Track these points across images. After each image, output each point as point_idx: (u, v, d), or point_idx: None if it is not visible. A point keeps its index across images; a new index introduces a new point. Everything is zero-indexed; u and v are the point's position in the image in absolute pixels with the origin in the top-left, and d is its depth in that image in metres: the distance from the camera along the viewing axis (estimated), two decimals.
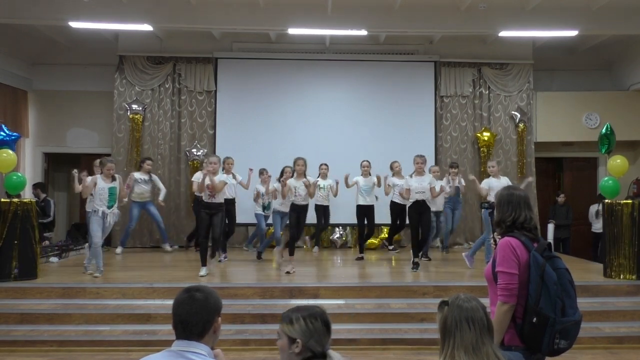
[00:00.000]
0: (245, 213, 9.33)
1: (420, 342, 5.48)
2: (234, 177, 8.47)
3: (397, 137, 10.33)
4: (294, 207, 7.34)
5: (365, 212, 8.48)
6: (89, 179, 7.14)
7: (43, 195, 9.48)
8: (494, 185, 7.38)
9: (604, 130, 7.49)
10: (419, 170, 7.56)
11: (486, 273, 2.78)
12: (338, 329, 5.39)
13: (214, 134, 10.40)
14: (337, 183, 8.62)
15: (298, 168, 7.28)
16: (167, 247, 9.55)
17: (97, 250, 6.96)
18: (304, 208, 7.36)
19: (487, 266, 2.78)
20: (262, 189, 8.72)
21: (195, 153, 10.30)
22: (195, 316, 1.93)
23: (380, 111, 10.50)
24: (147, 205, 9.18)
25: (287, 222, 7.80)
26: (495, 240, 3.19)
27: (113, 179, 7.10)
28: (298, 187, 7.25)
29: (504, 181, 7.56)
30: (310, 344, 1.98)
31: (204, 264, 7.02)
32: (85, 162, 10.77)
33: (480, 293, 5.86)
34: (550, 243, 2.76)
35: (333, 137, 10.14)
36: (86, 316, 5.87)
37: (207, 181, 6.89)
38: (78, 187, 7.70)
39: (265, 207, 8.95)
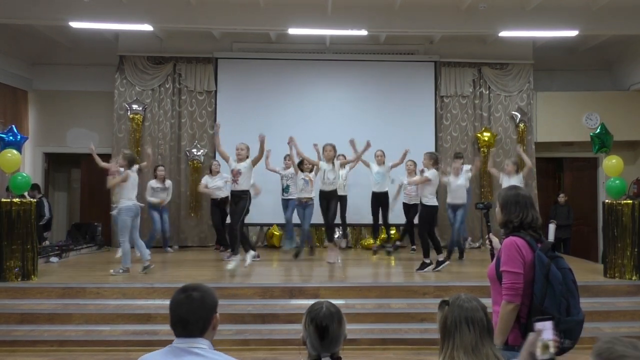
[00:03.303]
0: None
1: (421, 342, 5.48)
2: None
3: (397, 137, 10.30)
4: (321, 193, 7.38)
5: (379, 199, 8.45)
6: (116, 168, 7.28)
7: (39, 196, 9.47)
8: (505, 182, 7.43)
9: (597, 130, 7.55)
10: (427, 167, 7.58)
11: (489, 273, 2.78)
12: None
13: (214, 134, 10.38)
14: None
15: (326, 154, 7.43)
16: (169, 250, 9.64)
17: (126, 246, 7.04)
18: (333, 194, 7.35)
19: (491, 266, 2.78)
20: (283, 171, 8.88)
21: (195, 153, 10.30)
22: (194, 316, 1.96)
23: (381, 111, 10.49)
24: (163, 211, 9.29)
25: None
26: (490, 241, 3.19)
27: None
28: (327, 170, 7.30)
29: (516, 180, 7.59)
30: (308, 346, 2.00)
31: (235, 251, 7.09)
32: (86, 162, 10.79)
33: (480, 293, 5.84)
34: (554, 243, 2.77)
35: (333, 137, 9.98)
36: (86, 316, 5.86)
37: (233, 165, 6.98)
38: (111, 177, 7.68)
39: (284, 190, 8.96)
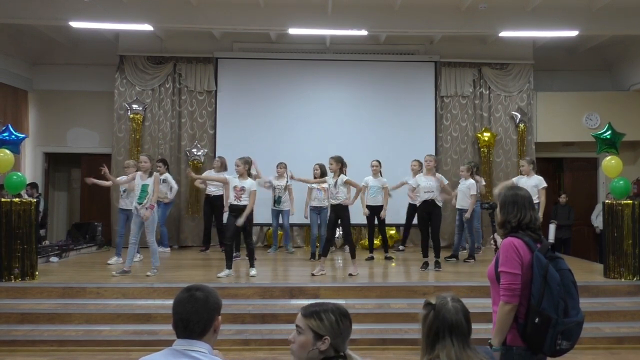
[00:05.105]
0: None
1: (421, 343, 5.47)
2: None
3: (397, 137, 10.34)
4: (331, 207, 7.35)
5: (374, 212, 8.41)
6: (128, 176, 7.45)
7: (36, 195, 9.47)
8: (522, 183, 7.32)
9: (604, 130, 7.50)
10: (429, 169, 7.56)
11: (489, 273, 2.78)
12: None
13: (214, 134, 10.40)
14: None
15: (330, 167, 7.26)
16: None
17: (131, 247, 7.14)
18: (339, 207, 7.22)
19: (490, 266, 2.78)
20: (275, 181, 8.94)
21: (195, 153, 10.30)
22: (196, 315, 1.94)
23: (381, 111, 10.49)
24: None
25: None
26: (495, 241, 3.19)
27: (149, 175, 7.10)
28: (331, 185, 7.24)
29: (534, 181, 7.53)
30: (337, 342, 1.96)
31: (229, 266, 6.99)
32: (86, 162, 10.80)
33: (480, 293, 5.88)
34: (553, 244, 2.77)
35: (333, 137, 10.12)
36: (86, 316, 5.87)
37: (236, 182, 6.95)
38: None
39: (276, 201, 8.99)
